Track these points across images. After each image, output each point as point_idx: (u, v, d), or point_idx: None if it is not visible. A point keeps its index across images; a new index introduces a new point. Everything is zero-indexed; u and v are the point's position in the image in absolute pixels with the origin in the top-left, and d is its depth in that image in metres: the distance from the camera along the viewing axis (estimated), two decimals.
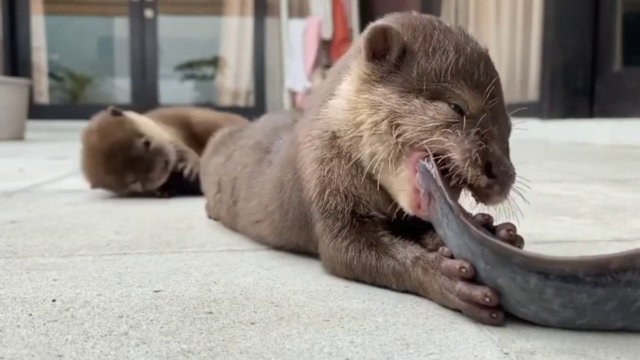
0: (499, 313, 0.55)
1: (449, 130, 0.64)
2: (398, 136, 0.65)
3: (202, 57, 7.52)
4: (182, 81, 7.56)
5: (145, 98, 6.72)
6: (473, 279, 0.56)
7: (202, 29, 7.44)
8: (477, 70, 0.66)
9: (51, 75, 7.19)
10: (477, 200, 0.66)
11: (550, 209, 1.21)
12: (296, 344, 0.51)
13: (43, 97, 7.06)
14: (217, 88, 7.41)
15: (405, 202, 0.67)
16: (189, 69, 7.59)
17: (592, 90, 3.45)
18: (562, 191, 1.46)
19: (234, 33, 7.19)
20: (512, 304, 0.54)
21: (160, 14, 7.02)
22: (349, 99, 0.71)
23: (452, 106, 0.65)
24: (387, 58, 0.69)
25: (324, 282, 0.70)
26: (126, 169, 1.46)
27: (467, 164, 0.62)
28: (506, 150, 0.66)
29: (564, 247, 0.89)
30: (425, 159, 0.63)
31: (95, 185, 1.51)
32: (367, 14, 6.49)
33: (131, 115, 1.60)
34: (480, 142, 0.62)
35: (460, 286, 0.57)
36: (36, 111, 6.31)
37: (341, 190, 0.72)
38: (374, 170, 0.68)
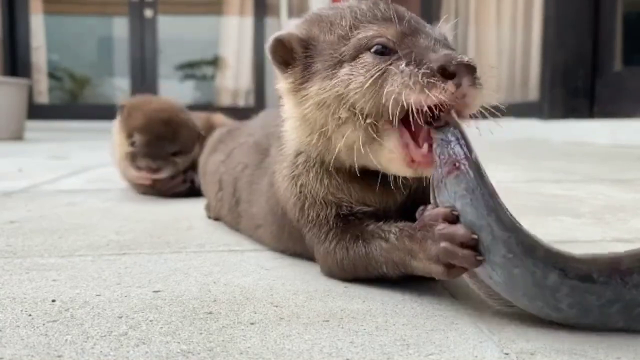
0: (482, 256, 0.53)
1: (386, 79, 0.63)
2: (362, 114, 0.65)
3: (202, 57, 7.51)
4: (182, 81, 7.56)
5: None
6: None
7: (202, 28, 7.43)
8: (377, 10, 0.69)
9: (50, 75, 7.18)
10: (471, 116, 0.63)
11: (550, 209, 1.21)
12: (296, 345, 0.51)
13: (42, 97, 7.05)
14: (217, 88, 7.40)
15: (399, 164, 0.65)
16: (189, 69, 7.58)
17: (592, 90, 3.45)
18: (562, 191, 1.46)
19: (233, 33, 7.19)
20: (520, 295, 0.53)
21: (160, 14, 7.01)
22: (295, 116, 0.73)
23: (375, 49, 0.65)
24: (295, 57, 0.72)
25: (323, 283, 0.70)
26: (168, 133, 1.47)
27: (426, 91, 0.59)
28: (448, 47, 0.65)
29: (564, 247, 0.88)
30: (446, 127, 0.60)
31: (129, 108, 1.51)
32: None
33: None
34: (418, 61, 0.61)
35: (443, 225, 0.56)
36: (36, 111, 6.30)
37: (318, 201, 0.73)
38: (356, 159, 0.67)
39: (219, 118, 1.93)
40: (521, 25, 4.38)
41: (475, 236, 0.53)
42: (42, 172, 2.01)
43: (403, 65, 0.62)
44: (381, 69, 0.64)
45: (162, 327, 0.55)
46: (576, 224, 1.05)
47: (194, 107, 1.94)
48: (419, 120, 0.61)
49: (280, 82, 0.74)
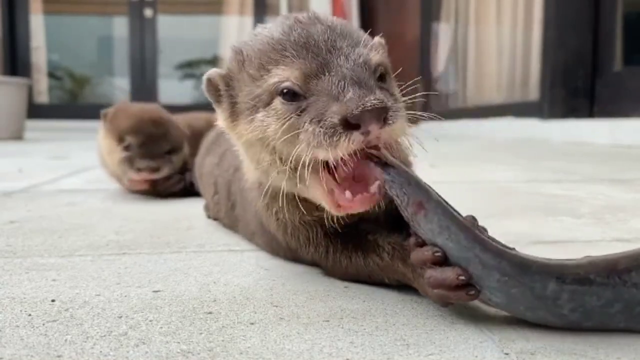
0: (474, 289, 0.53)
1: (296, 127, 0.61)
2: (281, 159, 0.65)
3: (201, 57, 7.51)
4: (181, 81, 7.56)
5: (144, 97, 6.70)
6: (445, 262, 0.55)
7: (202, 28, 7.44)
8: (288, 42, 0.64)
9: (50, 74, 7.18)
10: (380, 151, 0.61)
11: (550, 209, 1.21)
12: (296, 345, 0.51)
13: (42, 96, 7.05)
14: None
15: (327, 208, 0.65)
16: (189, 68, 7.58)
17: (592, 90, 3.45)
18: (562, 191, 1.46)
19: (233, 32, 7.18)
20: (522, 310, 0.54)
21: (160, 14, 7.01)
22: (240, 150, 0.74)
23: (284, 92, 0.63)
24: (221, 94, 0.72)
25: (323, 283, 0.70)
26: (155, 136, 1.46)
27: (330, 150, 0.58)
28: (358, 82, 0.59)
29: (564, 247, 0.89)
30: (389, 167, 0.59)
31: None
32: (366, 14, 6.49)
33: None
34: (320, 116, 0.59)
35: (430, 273, 0.55)
36: (35, 111, 6.30)
37: (297, 224, 0.73)
38: (296, 192, 0.68)
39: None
40: (521, 25, 4.37)
41: (463, 277, 0.53)
42: (42, 172, 2.01)
43: (307, 123, 0.60)
44: (290, 118, 0.62)
45: (162, 327, 0.54)
46: (576, 224, 1.05)
47: (193, 107, 1.94)
48: (341, 168, 0.60)
49: (218, 118, 0.75)
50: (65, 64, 7.41)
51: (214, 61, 7.44)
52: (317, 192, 0.64)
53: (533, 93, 4.05)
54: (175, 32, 7.25)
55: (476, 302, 0.61)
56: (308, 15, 0.69)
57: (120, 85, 7.22)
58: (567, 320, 0.52)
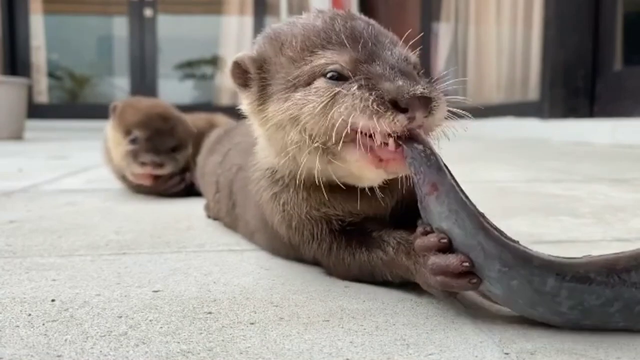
0: (477, 278, 0.53)
1: (337, 100, 0.61)
2: (311, 137, 0.64)
3: (201, 57, 7.52)
4: (181, 80, 7.56)
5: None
6: (449, 249, 0.55)
7: (202, 28, 7.44)
8: (332, 32, 0.66)
9: (50, 74, 7.18)
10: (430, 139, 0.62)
11: (550, 209, 1.21)
12: (296, 344, 0.51)
13: (42, 96, 7.05)
14: (216, 87, 7.41)
15: (368, 168, 0.64)
16: (189, 68, 7.59)
17: (592, 90, 3.45)
18: (562, 191, 1.46)
19: (233, 32, 7.18)
20: (520, 304, 0.53)
21: (160, 13, 7.01)
22: (261, 135, 0.74)
23: (330, 75, 0.64)
24: (250, 78, 0.72)
25: (323, 282, 0.70)
26: (162, 130, 1.47)
27: (374, 119, 0.58)
28: (405, 74, 0.61)
29: (564, 247, 0.89)
30: (413, 143, 0.59)
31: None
32: (367, 13, 6.49)
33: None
34: (368, 90, 0.59)
35: (433, 260, 0.55)
36: (35, 111, 6.29)
37: (303, 217, 0.72)
38: (325, 178, 0.67)
39: (221, 119, 1.93)
40: (521, 25, 4.38)
41: (467, 264, 0.53)
42: (42, 172, 2.01)
43: (355, 88, 0.60)
44: (333, 93, 0.62)
45: (161, 327, 0.54)
46: (576, 224, 1.05)
47: (193, 107, 1.93)
48: (370, 141, 0.60)
49: (243, 103, 0.75)
50: (65, 63, 7.41)
51: (214, 61, 7.44)
52: (353, 156, 0.63)
53: (533, 93, 4.05)
54: (175, 32, 7.25)
55: (477, 301, 0.61)
56: (345, 12, 0.72)
57: (120, 85, 7.21)
58: (565, 318, 0.52)
